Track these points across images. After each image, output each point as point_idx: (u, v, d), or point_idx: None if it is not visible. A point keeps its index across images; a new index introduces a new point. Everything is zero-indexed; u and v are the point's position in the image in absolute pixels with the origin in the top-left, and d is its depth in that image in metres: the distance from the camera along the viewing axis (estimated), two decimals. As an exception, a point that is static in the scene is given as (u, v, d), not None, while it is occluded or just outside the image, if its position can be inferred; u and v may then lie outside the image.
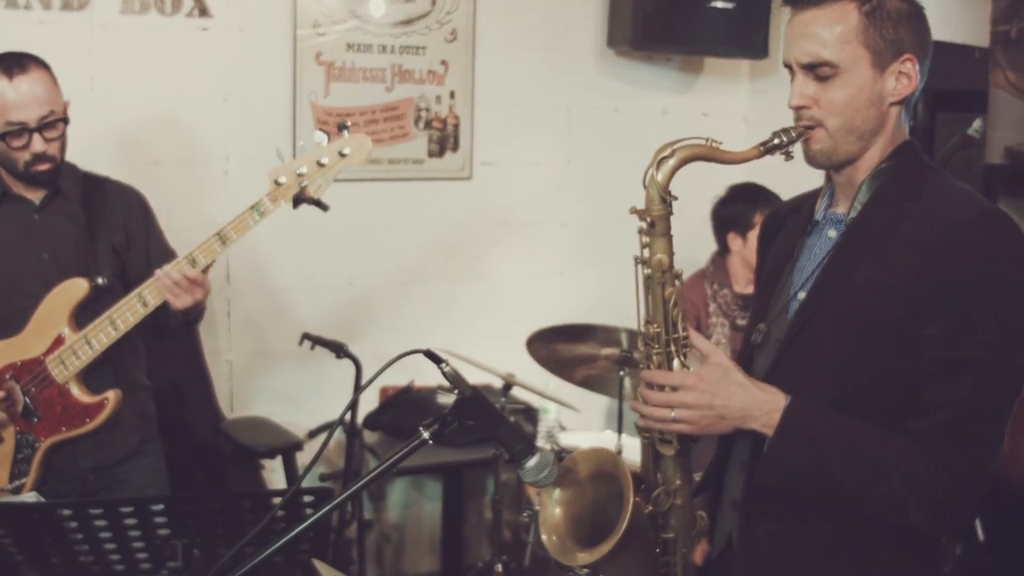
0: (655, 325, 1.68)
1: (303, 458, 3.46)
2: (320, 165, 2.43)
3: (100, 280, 2.50)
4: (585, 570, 1.65)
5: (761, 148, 1.63)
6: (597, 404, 4.12)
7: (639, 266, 1.69)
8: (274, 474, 3.64)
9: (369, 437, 3.69)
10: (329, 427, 3.48)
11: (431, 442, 1.54)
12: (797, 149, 1.65)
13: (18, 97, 2.38)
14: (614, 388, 3.36)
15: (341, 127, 2.46)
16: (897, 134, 1.65)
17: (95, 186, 2.64)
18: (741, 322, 3.48)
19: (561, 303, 4.04)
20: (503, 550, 3.51)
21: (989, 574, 3.05)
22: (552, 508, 1.71)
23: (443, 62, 3.89)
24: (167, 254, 2.65)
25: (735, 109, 4.40)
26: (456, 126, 3.94)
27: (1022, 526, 3.00)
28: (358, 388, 3.30)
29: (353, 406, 3.44)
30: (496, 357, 3.44)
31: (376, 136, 3.75)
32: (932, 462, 1.53)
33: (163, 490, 2.69)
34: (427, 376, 2.77)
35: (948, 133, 3.06)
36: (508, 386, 3.42)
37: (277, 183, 2.43)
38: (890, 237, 1.59)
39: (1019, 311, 1.53)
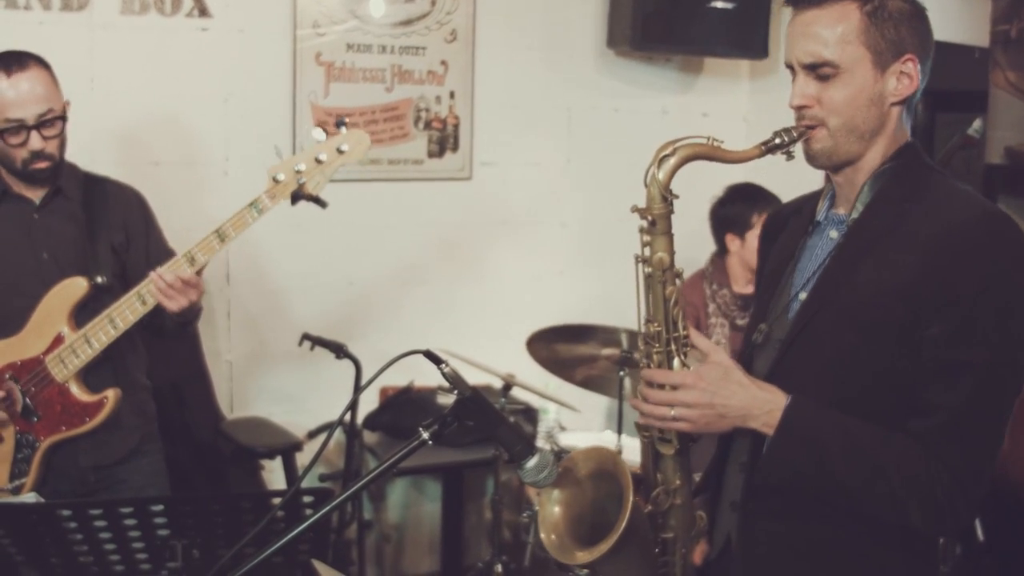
0: (655, 324, 1.68)
1: (303, 458, 3.46)
2: (318, 162, 2.43)
3: (99, 279, 2.50)
4: (584, 570, 1.65)
5: (763, 147, 1.63)
6: (597, 404, 4.12)
7: (640, 264, 1.69)
8: (274, 474, 3.64)
9: (369, 437, 3.69)
10: (329, 427, 3.48)
11: (431, 442, 1.54)
12: (798, 149, 1.66)
13: (17, 95, 2.38)
14: (614, 388, 3.36)
15: (339, 123, 2.45)
16: (899, 134, 1.65)
17: (95, 186, 2.63)
18: (740, 322, 3.48)
19: (561, 303, 4.04)
20: (503, 550, 3.51)
21: (989, 574, 3.05)
22: (551, 507, 1.70)
23: (443, 62, 3.89)
24: (167, 254, 2.64)
25: (735, 109, 4.40)
26: (456, 126, 3.94)
27: (1022, 526, 3.00)
28: (358, 388, 3.29)
29: (353, 406, 3.44)
30: (496, 357, 3.44)
31: (376, 136, 3.75)
32: (933, 463, 1.53)
33: (163, 490, 2.69)
34: (427, 376, 2.77)
35: (948, 133, 3.06)
36: (508, 386, 3.42)
37: (275, 180, 2.43)
38: (892, 238, 1.59)
39: (1020, 312, 1.53)
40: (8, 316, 2.48)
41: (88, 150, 2.90)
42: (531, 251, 4.16)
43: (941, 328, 1.52)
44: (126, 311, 2.42)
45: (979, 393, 1.52)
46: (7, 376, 2.47)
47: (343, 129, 2.45)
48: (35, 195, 2.55)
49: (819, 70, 1.60)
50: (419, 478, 4.04)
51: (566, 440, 3.60)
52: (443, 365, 1.54)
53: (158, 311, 2.44)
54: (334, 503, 1.54)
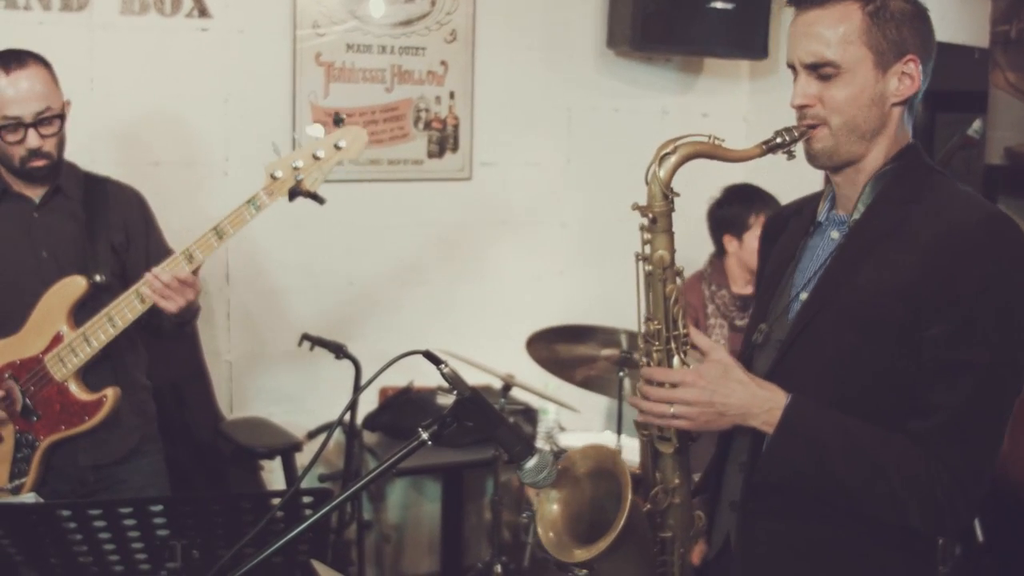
0: (655, 322, 1.68)
1: (302, 459, 3.46)
2: (316, 158, 2.42)
3: (98, 277, 2.50)
4: (583, 570, 1.65)
5: (764, 147, 1.63)
6: (597, 405, 4.12)
7: (640, 262, 1.69)
8: (273, 475, 3.64)
9: (368, 438, 3.69)
10: (328, 428, 3.48)
11: (430, 443, 1.54)
12: (799, 149, 1.66)
13: (15, 92, 2.39)
14: (614, 389, 3.36)
15: (337, 120, 2.45)
16: (900, 135, 1.65)
17: (96, 186, 2.63)
18: (740, 323, 3.48)
19: (561, 303, 4.04)
20: (502, 551, 3.51)
21: (989, 574, 3.05)
22: (550, 504, 1.70)
23: (443, 63, 3.89)
24: (166, 254, 2.64)
25: (735, 109, 4.40)
26: (456, 126, 3.94)
27: (1022, 526, 3.00)
28: (357, 389, 3.29)
29: (352, 407, 3.44)
30: (496, 357, 3.44)
31: (376, 136, 3.75)
32: (933, 463, 1.53)
33: (163, 490, 2.69)
34: (426, 377, 2.77)
35: (948, 133, 3.06)
36: (508, 387, 3.42)
37: (273, 177, 2.42)
38: (893, 239, 1.59)
39: (1020, 312, 1.53)
40: (7, 315, 2.48)
41: (88, 150, 2.90)
42: (531, 251, 4.16)
43: (941, 328, 1.52)
44: (125, 309, 2.42)
45: (979, 393, 1.52)
46: (6, 375, 2.47)
47: (340, 126, 2.45)
48: (35, 194, 2.55)
49: (821, 70, 1.60)
50: (419, 478, 4.04)
51: (565, 440, 3.60)
52: (443, 365, 1.54)
53: (156, 310, 2.44)
54: (334, 503, 1.54)
